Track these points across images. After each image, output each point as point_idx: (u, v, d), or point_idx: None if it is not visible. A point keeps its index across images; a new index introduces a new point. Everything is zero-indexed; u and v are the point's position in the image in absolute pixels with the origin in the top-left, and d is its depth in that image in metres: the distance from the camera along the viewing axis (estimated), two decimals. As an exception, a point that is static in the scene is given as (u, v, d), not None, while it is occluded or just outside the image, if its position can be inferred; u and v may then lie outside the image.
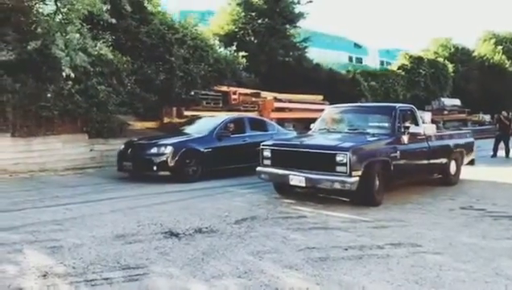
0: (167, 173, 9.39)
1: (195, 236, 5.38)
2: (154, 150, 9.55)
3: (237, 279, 4.03)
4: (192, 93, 14.85)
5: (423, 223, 6.19)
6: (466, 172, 10.17)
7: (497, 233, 5.73)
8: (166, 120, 13.66)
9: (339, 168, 6.78)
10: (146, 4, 14.72)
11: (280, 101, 17.60)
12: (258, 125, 11.62)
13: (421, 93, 28.59)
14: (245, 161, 10.03)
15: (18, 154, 10.72)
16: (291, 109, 17.95)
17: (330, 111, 9.50)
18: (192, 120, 12.21)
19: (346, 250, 4.92)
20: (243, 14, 20.02)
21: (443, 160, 9.18)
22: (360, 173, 6.80)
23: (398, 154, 7.56)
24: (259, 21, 20.00)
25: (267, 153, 7.84)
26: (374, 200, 7.17)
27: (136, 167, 9.73)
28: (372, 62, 31.30)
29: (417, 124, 8.53)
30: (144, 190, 8.50)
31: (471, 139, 10.47)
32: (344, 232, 5.65)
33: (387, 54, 35.78)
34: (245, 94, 16.87)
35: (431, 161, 8.70)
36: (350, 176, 6.71)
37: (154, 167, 9.38)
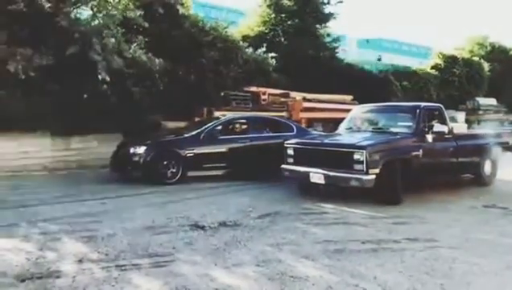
0: (138, 174, 9.23)
1: (219, 229, 5.70)
2: (130, 149, 9.39)
3: (256, 267, 4.31)
4: (222, 93, 15.18)
5: (443, 220, 6.31)
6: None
7: (515, 230, 5.81)
8: (197, 120, 14.03)
9: (356, 166, 6.96)
10: (178, 7, 15.14)
11: (309, 101, 17.69)
12: (271, 126, 11.04)
13: (455, 92, 28.10)
14: (243, 164, 9.70)
15: (57, 152, 11.32)
16: (320, 110, 18.05)
17: (357, 111, 9.71)
18: (204, 120, 11.94)
19: (363, 243, 5.13)
20: (273, 15, 20.29)
21: (475, 160, 9.06)
22: (377, 171, 6.93)
23: (420, 152, 7.64)
24: (289, 22, 20.23)
25: (290, 151, 8.06)
26: (393, 198, 7.27)
27: (115, 167, 9.79)
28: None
29: (444, 123, 8.52)
30: (174, 187, 8.84)
31: (507, 139, 10.30)
32: (363, 227, 5.85)
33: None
34: (275, 94, 17.05)
35: (460, 161, 8.60)
36: (367, 173, 6.86)
37: (128, 167, 9.33)
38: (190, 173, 9.41)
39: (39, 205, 6.99)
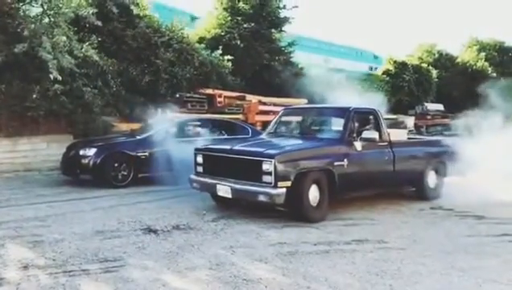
0: (87, 177, 9.02)
1: (172, 232, 5.63)
2: (79, 152, 9.14)
3: (209, 270, 4.29)
4: (177, 95, 15.02)
5: (393, 222, 6.50)
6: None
7: (459, 230, 6.07)
8: (150, 121, 13.80)
9: (265, 178, 5.98)
10: (132, 7, 14.86)
11: (265, 104, 17.82)
12: (226, 128, 10.87)
13: (405, 98, 29.04)
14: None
15: (3, 154, 10.85)
16: (275, 113, 18.15)
17: (284, 113, 8.55)
18: (157, 122, 11.19)
19: (315, 245, 5.20)
20: (229, 18, 20.24)
21: (417, 171, 8.06)
22: (289, 184, 5.98)
23: (345, 162, 6.61)
24: (245, 25, 20.24)
25: (199, 159, 7.04)
26: (308, 216, 6.26)
27: (64, 169, 9.57)
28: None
29: (379, 129, 7.47)
30: (126, 189, 8.69)
31: (453, 147, 9.00)
32: (316, 229, 5.93)
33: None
34: (231, 97, 17.04)
35: (398, 171, 7.52)
36: (276, 187, 5.91)
37: (77, 170, 9.10)
38: (141, 176, 9.23)
39: (-19, 210, 6.69)
